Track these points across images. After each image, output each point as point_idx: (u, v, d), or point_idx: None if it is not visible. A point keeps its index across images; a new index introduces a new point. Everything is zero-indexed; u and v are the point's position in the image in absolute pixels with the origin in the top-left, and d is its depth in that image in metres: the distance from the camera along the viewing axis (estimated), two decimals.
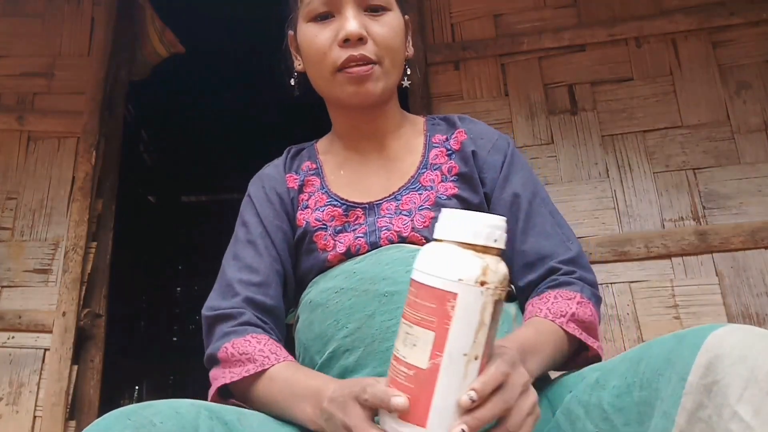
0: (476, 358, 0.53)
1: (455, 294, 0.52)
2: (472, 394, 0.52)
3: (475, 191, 0.87)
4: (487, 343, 0.53)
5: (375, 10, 0.85)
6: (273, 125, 4.02)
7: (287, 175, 0.94)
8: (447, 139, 0.92)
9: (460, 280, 0.52)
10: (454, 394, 0.52)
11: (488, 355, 0.54)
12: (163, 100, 3.84)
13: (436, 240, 0.56)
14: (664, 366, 0.56)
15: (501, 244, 0.55)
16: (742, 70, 2.17)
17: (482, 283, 0.52)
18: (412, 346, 0.53)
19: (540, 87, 2.29)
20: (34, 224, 2.37)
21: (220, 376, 0.78)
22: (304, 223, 0.88)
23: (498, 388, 0.53)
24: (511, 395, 0.54)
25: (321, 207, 0.88)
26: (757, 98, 2.14)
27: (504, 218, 0.56)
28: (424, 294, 0.53)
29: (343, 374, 0.76)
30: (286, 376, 0.74)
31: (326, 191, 0.90)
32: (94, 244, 2.33)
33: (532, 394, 0.57)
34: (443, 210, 0.57)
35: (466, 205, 0.85)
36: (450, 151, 0.91)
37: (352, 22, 0.83)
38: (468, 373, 0.52)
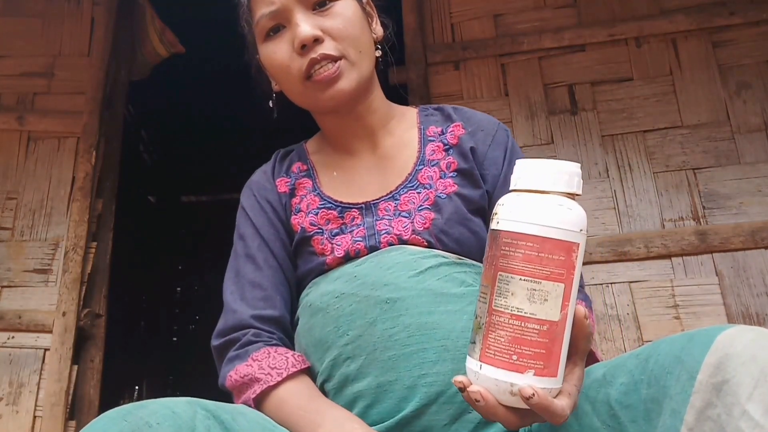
0: (576, 299, 0.55)
1: (578, 244, 0.54)
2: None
3: (476, 186, 0.85)
4: None
5: (322, 5, 0.83)
6: (273, 125, 4.01)
7: (277, 180, 0.92)
8: (443, 132, 0.89)
9: (581, 230, 0.55)
10: (568, 339, 0.54)
11: None
12: (163, 100, 3.83)
13: (538, 191, 0.56)
14: (673, 364, 0.56)
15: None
16: (742, 70, 2.17)
17: (587, 230, 0.56)
18: (543, 302, 0.53)
19: (540, 87, 2.28)
20: (34, 224, 2.37)
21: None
22: (300, 228, 0.86)
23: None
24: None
25: (314, 210, 0.86)
26: (757, 98, 2.14)
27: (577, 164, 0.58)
28: (552, 247, 0.53)
29: (344, 383, 0.75)
30: (299, 402, 0.74)
31: (318, 193, 0.88)
32: (94, 244, 2.33)
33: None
34: (527, 161, 0.58)
35: (466, 201, 0.83)
36: (447, 146, 0.88)
37: (302, 26, 0.81)
38: (573, 315, 0.55)
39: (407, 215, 0.83)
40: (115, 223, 2.46)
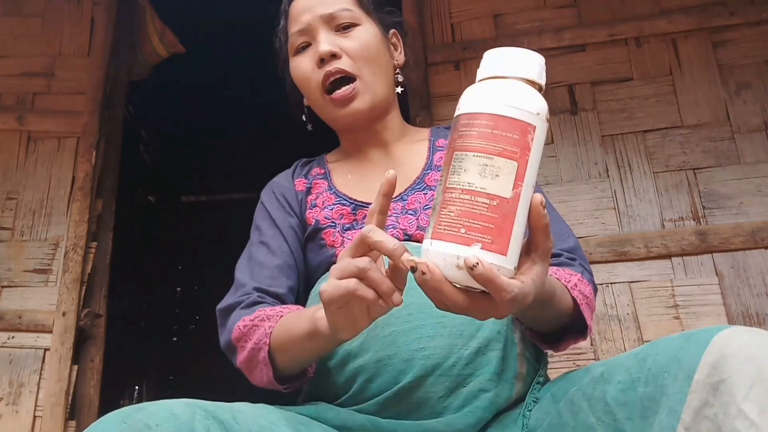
0: (533, 187, 0.55)
1: (534, 126, 0.54)
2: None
3: None
4: None
5: (345, 28, 0.93)
6: (273, 125, 4.01)
7: (296, 180, 0.99)
8: None
9: (537, 114, 0.55)
10: (522, 224, 0.54)
11: None
12: (163, 100, 3.84)
13: (498, 77, 0.57)
14: (670, 363, 0.56)
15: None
16: (742, 70, 2.17)
17: (547, 118, 0.56)
18: (494, 177, 0.53)
19: None
20: (34, 224, 2.37)
21: (250, 355, 0.79)
22: (314, 221, 0.92)
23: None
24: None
25: (330, 206, 0.92)
26: (757, 98, 2.14)
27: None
28: (506, 125, 0.54)
29: (345, 359, 0.79)
30: (295, 313, 0.78)
31: (334, 191, 0.95)
32: (94, 244, 2.33)
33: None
34: (492, 51, 0.59)
35: None
36: None
37: (323, 43, 0.91)
38: (529, 202, 0.54)
39: (413, 213, 0.88)
40: (115, 223, 2.46)
